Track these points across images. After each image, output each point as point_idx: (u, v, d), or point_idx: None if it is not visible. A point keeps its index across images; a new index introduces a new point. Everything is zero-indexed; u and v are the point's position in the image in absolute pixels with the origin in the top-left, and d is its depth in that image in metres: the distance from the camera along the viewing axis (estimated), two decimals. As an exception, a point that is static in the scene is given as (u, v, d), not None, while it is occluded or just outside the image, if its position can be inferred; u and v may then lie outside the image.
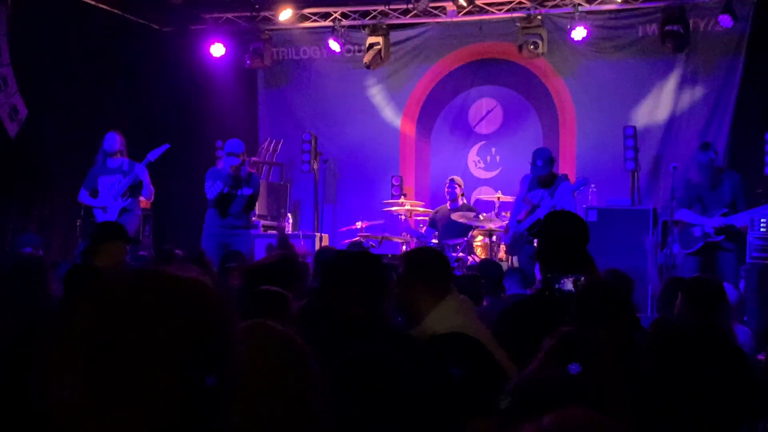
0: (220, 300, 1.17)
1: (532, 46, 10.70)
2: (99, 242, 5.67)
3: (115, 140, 9.00)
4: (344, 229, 11.08)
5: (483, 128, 11.93)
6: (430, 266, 3.63)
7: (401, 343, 3.11)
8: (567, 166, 11.31)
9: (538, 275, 8.79)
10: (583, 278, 3.54)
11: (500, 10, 11.20)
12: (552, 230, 3.95)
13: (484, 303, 5.91)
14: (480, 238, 10.12)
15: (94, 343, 1.08)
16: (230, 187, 8.73)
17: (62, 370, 1.08)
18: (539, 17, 10.81)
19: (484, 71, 11.86)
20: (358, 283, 3.39)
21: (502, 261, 9.32)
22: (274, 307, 3.45)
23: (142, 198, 9.12)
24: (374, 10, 11.55)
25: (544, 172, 8.72)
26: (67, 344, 1.09)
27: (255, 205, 9.22)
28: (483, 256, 9.68)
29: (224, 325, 1.15)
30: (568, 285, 3.51)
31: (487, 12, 11.31)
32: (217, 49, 11.84)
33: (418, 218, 10.99)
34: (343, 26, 11.69)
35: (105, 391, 1.06)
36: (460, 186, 10.32)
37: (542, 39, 10.73)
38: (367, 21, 11.58)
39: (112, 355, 1.07)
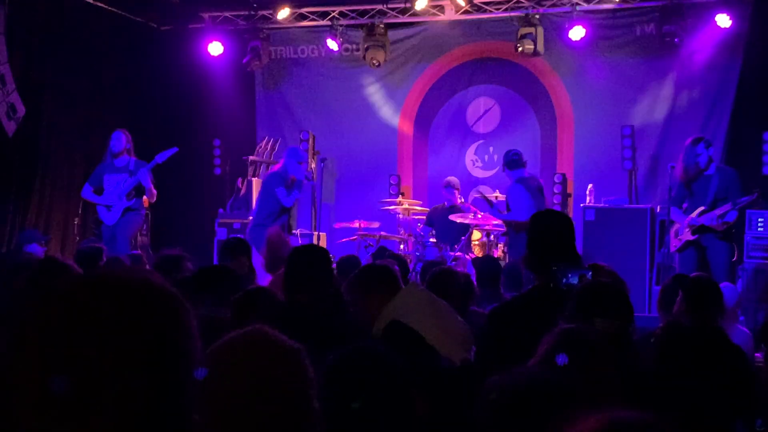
0: (174, 299, 1.16)
1: (528, 45, 10.70)
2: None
3: (120, 140, 9.01)
4: (340, 225, 11.06)
5: (481, 127, 11.93)
6: (377, 282, 3.95)
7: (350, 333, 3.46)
8: (565, 166, 11.32)
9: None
10: (589, 274, 3.54)
11: (498, 9, 11.20)
12: (544, 228, 3.95)
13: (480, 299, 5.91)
14: (478, 236, 10.14)
15: (51, 351, 1.07)
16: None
17: (23, 380, 1.07)
18: (537, 16, 10.81)
19: (482, 70, 11.86)
20: (305, 272, 3.83)
21: (499, 260, 9.33)
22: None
23: (144, 197, 9.14)
24: (372, 9, 11.55)
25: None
26: (24, 354, 1.08)
27: None
28: (480, 255, 9.69)
29: (179, 324, 1.14)
30: (573, 279, 3.52)
31: (484, 11, 11.31)
32: (215, 48, 11.84)
33: (416, 217, 11.00)
34: (341, 25, 11.68)
35: (65, 400, 1.05)
36: (457, 189, 10.37)
37: (539, 38, 10.73)
38: (365, 20, 11.58)
39: (68, 363, 1.06)
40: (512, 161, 9.24)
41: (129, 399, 1.06)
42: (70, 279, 1.16)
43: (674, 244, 8.42)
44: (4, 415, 1.07)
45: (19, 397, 1.06)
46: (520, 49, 10.77)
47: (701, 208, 8.18)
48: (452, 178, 10.55)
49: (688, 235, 8.27)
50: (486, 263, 7.06)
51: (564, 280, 3.51)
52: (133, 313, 1.10)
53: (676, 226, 8.45)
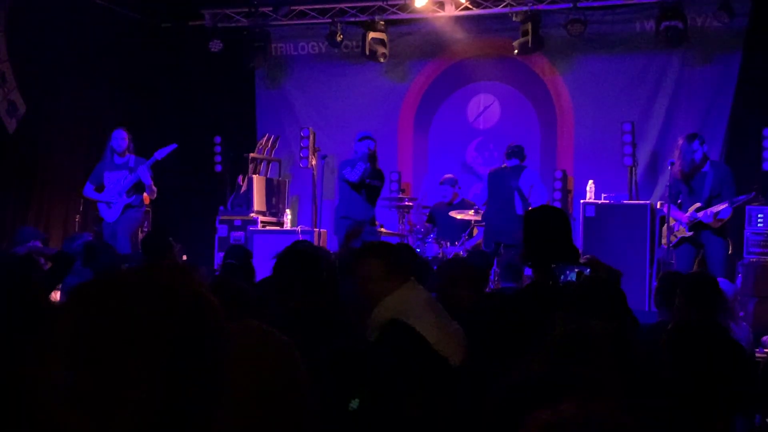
0: (200, 298, 1.16)
1: (524, 44, 10.72)
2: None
3: (123, 138, 9.03)
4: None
5: (481, 124, 11.94)
6: (397, 257, 3.89)
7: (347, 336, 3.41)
8: (565, 162, 11.33)
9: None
10: (587, 271, 3.55)
11: (498, 5, 11.20)
12: (540, 224, 3.95)
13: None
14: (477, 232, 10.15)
15: (79, 346, 1.08)
16: (369, 177, 8.89)
17: (49, 374, 1.08)
18: (537, 12, 10.81)
19: (482, 67, 11.86)
20: (299, 277, 3.64)
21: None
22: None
23: (144, 194, 9.14)
24: (372, 6, 11.55)
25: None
26: (52, 347, 1.09)
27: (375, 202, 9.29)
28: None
29: (209, 324, 1.15)
30: (572, 276, 3.53)
31: (484, 7, 11.31)
32: (216, 45, 11.83)
33: (416, 214, 11.00)
34: (342, 22, 11.69)
35: (90, 394, 1.06)
36: (453, 185, 10.38)
37: (537, 35, 10.72)
38: (365, 17, 11.58)
39: (96, 359, 1.07)
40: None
41: (152, 397, 1.07)
42: (97, 278, 1.17)
43: (669, 239, 8.43)
44: (25, 411, 1.09)
45: (42, 392, 1.08)
46: (516, 52, 10.82)
47: (697, 205, 8.21)
48: (449, 175, 10.57)
49: (683, 231, 8.30)
50: (475, 259, 7.02)
51: (562, 278, 3.52)
52: (159, 313, 1.11)
53: (671, 222, 8.48)
